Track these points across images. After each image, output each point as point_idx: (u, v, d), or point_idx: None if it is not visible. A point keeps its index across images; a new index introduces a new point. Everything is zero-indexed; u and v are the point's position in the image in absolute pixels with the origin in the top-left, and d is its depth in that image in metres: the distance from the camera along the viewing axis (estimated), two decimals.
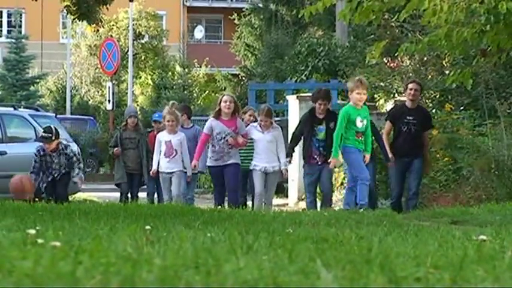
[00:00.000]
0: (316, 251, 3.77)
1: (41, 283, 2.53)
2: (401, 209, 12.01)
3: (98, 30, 35.32)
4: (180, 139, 12.95)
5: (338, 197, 15.05)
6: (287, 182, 17.47)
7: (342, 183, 15.46)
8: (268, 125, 12.64)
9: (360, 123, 11.67)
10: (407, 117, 12.43)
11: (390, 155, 12.35)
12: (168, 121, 12.94)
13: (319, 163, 12.48)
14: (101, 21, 16.15)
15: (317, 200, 13.06)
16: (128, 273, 2.69)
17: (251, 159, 12.77)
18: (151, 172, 13.20)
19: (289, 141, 13.09)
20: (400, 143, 12.39)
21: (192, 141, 13.11)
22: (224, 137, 12.49)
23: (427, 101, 18.58)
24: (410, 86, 12.62)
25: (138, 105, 35.79)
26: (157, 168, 13.02)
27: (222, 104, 12.56)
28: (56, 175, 13.39)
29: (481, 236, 4.81)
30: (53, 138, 13.22)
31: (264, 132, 12.61)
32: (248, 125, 13.03)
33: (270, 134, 12.63)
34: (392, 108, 14.66)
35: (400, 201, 12.59)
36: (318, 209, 12.36)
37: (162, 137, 13.02)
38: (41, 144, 13.63)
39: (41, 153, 13.42)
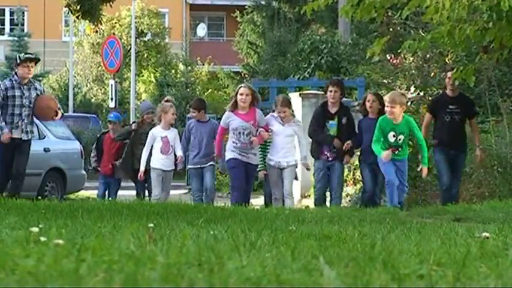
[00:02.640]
0: (319, 248, 3.77)
1: (44, 281, 2.53)
2: (453, 199, 11.47)
3: (97, 32, 35.39)
4: (175, 134, 12.61)
5: (349, 191, 14.99)
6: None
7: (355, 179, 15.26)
8: (288, 117, 11.95)
9: (392, 138, 11.26)
10: (450, 107, 11.90)
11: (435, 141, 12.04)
12: (173, 114, 12.61)
13: (330, 159, 12.02)
14: (101, 22, 16.04)
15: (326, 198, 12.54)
16: (131, 271, 2.69)
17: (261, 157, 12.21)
18: (139, 176, 12.64)
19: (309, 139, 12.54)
20: (444, 134, 11.85)
21: (211, 135, 12.53)
22: (243, 133, 11.71)
23: (429, 98, 18.58)
24: (449, 74, 12.10)
25: (140, 103, 35.79)
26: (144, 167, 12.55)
27: (238, 96, 11.77)
28: (25, 120, 11.86)
29: (484, 233, 4.81)
30: (36, 62, 12.42)
31: (285, 125, 11.91)
32: None
33: (290, 128, 11.94)
34: (431, 99, 14.06)
35: (451, 190, 11.93)
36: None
37: (158, 132, 12.53)
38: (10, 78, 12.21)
39: (8, 85, 11.90)
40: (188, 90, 36.53)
